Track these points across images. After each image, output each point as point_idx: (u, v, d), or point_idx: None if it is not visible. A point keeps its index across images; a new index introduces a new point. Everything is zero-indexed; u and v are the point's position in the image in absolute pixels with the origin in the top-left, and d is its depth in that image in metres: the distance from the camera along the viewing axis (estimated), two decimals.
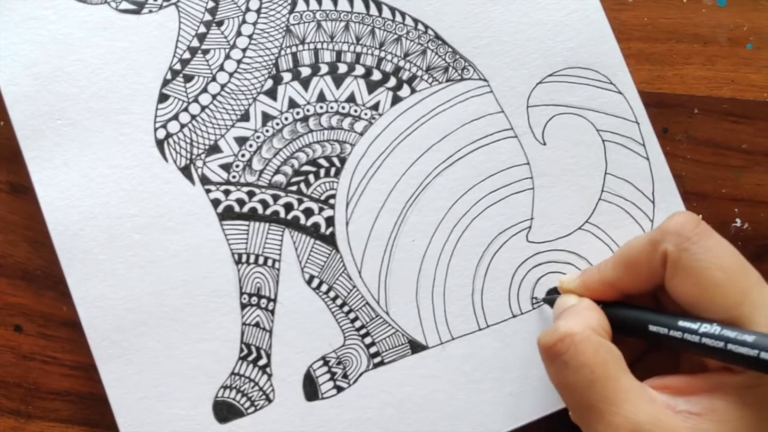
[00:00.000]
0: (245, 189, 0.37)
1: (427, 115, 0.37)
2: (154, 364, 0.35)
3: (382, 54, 0.37)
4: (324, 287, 0.36)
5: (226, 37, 0.37)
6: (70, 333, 0.37)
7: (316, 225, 0.37)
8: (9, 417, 0.37)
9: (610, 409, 0.28)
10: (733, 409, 0.28)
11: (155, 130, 0.37)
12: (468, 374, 0.36)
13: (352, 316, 0.36)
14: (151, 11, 0.37)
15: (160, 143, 0.37)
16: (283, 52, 0.37)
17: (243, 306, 0.36)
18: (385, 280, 0.36)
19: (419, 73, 0.37)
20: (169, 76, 0.37)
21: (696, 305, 0.29)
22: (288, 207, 0.37)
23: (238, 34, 0.37)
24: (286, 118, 0.37)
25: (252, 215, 0.36)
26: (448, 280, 0.36)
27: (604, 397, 0.28)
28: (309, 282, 0.36)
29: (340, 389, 0.36)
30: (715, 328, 0.28)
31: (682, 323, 0.29)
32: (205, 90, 0.37)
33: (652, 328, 0.30)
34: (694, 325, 0.29)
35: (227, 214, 0.36)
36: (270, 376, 0.36)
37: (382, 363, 0.36)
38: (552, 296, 0.36)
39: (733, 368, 0.29)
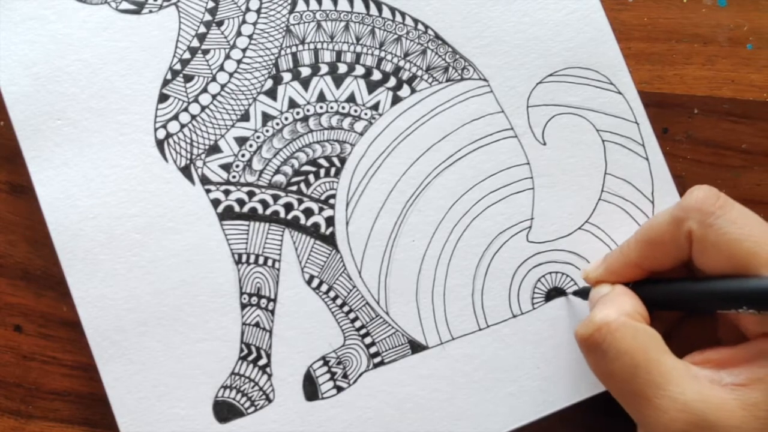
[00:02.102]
0: (245, 189, 0.37)
1: (427, 115, 0.37)
2: (154, 364, 0.35)
3: (382, 54, 0.37)
4: (324, 287, 0.36)
5: (226, 37, 0.37)
6: (70, 333, 0.37)
7: (316, 225, 0.37)
8: (9, 417, 0.37)
9: (656, 392, 0.28)
10: None
11: (155, 130, 0.37)
12: (468, 374, 0.36)
13: (352, 316, 0.36)
14: (151, 11, 0.37)
15: (160, 143, 0.37)
16: (283, 52, 0.37)
17: (243, 306, 0.36)
18: (385, 280, 0.36)
19: (419, 73, 0.37)
20: (169, 76, 0.37)
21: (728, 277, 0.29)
22: (288, 207, 0.37)
23: (238, 34, 0.37)
24: (286, 118, 0.37)
25: (252, 215, 0.36)
26: (448, 280, 0.36)
27: (648, 382, 0.28)
28: (309, 282, 0.36)
29: (340, 389, 0.36)
30: (753, 284, 0.28)
31: (722, 283, 0.29)
32: (205, 90, 0.37)
33: (689, 290, 0.30)
34: (730, 283, 0.29)
35: (227, 214, 0.36)
36: (270, 376, 0.36)
37: (382, 363, 0.36)
38: (583, 288, 0.36)
39: None
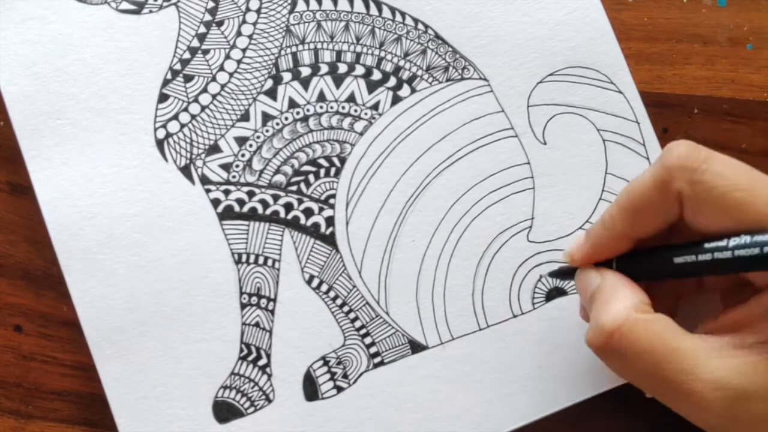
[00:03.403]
0: (245, 189, 0.37)
1: (427, 115, 0.37)
2: (153, 364, 0.35)
3: (382, 54, 0.37)
4: (324, 287, 0.36)
5: (226, 37, 0.37)
6: (70, 333, 0.37)
7: (316, 225, 0.37)
8: (9, 417, 0.37)
9: (687, 378, 0.27)
10: None
11: (155, 130, 0.37)
12: (468, 374, 0.36)
13: (352, 316, 0.36)
14: (151, 11, 0.37)
15: (160, 143, 0.37)
16: (283, 52, 0.37)
17: (243, 306, 0.36)
18: (385, 280, 0.36)
19: (419, 72, 0.37)
20: (169, 76, 0.37)
21: (724, 232, 0.28)
22: (288, 207, 0.37)
23: (238, 34, 0.37)
24: (286, 118, 0.37)
25: (252, 215, 0.36)
26: (448, 280, 0.36)
27: (675, 371, 0.27)
28: (309, 282, 0.36)
29: (340, 389, 0.36)
30: (745, 239, 0.26)
31: (708, 245, 0.28)
32: (205, 90, 0.37)
33: (678, 260, 0.29)
34: (722, 242, 0.27)
35: (227, 214, 0.36)
36: (270, 376, 0.36)
37: (382, 363, 0.36)
38: (562, 268, 0.34)
39: None
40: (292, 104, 0.37)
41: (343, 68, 0.37)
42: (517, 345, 0.36)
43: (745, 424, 0.27)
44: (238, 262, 0.36)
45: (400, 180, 0.37)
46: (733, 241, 0.27)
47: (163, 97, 0.37)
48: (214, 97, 0.37)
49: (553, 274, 0.35)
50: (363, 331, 0.36)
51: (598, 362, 0.34)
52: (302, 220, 0.37)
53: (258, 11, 0.37)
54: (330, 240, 0.37)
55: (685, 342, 0.28)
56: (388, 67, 0.37)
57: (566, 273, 0.33)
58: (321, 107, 0.37)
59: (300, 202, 0.37)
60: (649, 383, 0.29)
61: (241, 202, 0.36)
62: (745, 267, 0.27)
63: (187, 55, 0.37)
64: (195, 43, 0.37)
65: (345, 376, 0.36)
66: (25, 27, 0.37)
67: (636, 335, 0.28)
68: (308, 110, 0.37)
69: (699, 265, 0.28)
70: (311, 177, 0.37)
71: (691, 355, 0.27)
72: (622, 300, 0.29)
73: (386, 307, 0.36)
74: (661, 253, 0.30)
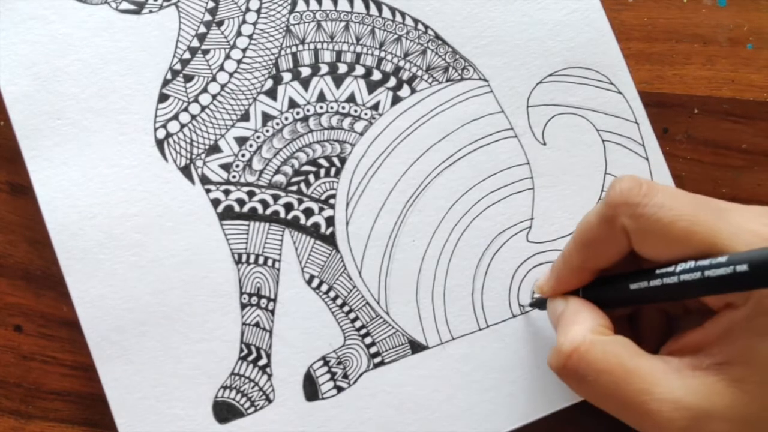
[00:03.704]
0: (245, 189, 0.37)
1: (427, 115, 0.37)
2: (153, 365, 0.35)
3: (382, 54, 0.37)
4: (324, 287, 0.36)
5: (226, 37, 0.37)
6: (70, 333, 0.37)
7: (316, 225, 0.37)
8: (9, 417, 0.37)
9: (645, 399, 0.28)
10: (754, 344, 0.27)
11: (155, 129, 0.37)
12: (468, 374, 0.36)
13: (352, 316, 0.36)
14: (151, 11, 0.37)
15: (160, 143, 0.37)
16: (283, 52, 0.37)
17: (243, 306, 0.36)
18: (385, 280, 0.36)
19: (419, 73, 0.37)
20: (169, 76, 0.37)
21: (674, 259, 0.28)
22: (288, 207, 0.37)
23: (238, 34, 0.37)
24: (286, 118, 0.37)
25: (252, 215, 0.36)
26: (448, 280, 0.36)
27: (634, 391, 0.28)
28: (309, 282, 0.36)
29: (340, 389, 0.36)
30: (690, 264, 0.27)
31: (659, 271, 0.29)
32: (205, 90, 0.37)
33: (633, 286, 0.30)
34: (670, 268, 0.28)
35: (227, 214, 0.36)
36: (270, 376, 0.36)
37: (382, 363, 0.36)
38: (537, 298, 0.35)
39: (734, 302, 0.28)
40: (292, 104, 0.37)
41: (343, 68, 0.37)
42: (517, 345, 0.36)
43: None
44: (238, 262, 0.36)
45: (400, 180, 0.37)
46: (680, 267, 0.28)
47: (163, 97, 0.37)
48: (214, 97, 0.37)
49: (532, 305, 0.36)
50: (363, 331, 0.36)
51: None
52: (302, 220, 0.37)
53: (258, 11, 0.37)
54: (330, 240, 0.37)
55: (643, 362, 0.29)
56: (388, 67, 0.37)
57: (541, 303, 0.35)
58: (321, 107, 0.37)
59: (300, 202, 0.37)
60: (610, 404, 0.29)
61: (241, 202, 0.36)
62: (691, 292, 0.28)
63: (187, 55, 0.37)
64: (195, 43, 0.37)
65: (345, 376, 0.36)
66: (25, 27, 0.37)
67: (593, 356, 0.29)
68: (308, 110, 0.37)
69: (652, 290, 0.29)
70: (311, 177, 0.37)
71: (650, 376, 0.28)
72: (581, 323, 0.30)
73: (386, 307, 0.36)
74: (619, 281, 0.31)
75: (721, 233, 0.27)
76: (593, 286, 0.32)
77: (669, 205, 0.28)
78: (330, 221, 0.37)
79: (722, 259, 0.26)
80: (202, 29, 0.37)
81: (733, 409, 0.27)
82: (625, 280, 0.30)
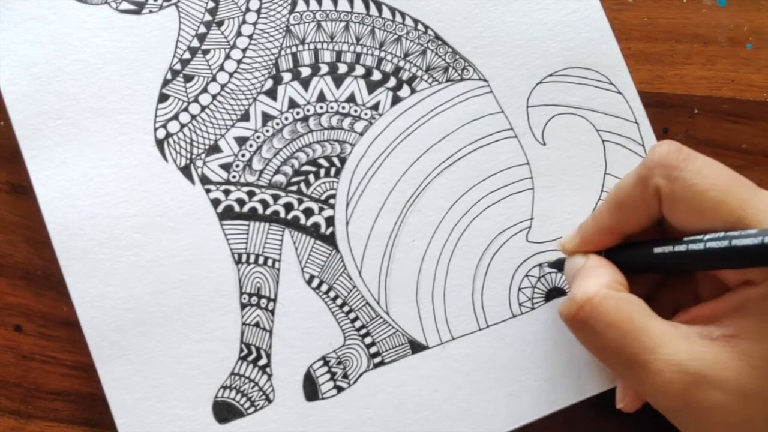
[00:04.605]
0: (245, 189, 0.37)
1: (427, 115, 0.37)
2: (153, 364, 0.35)
3: (382, 54, 0.37)
4: (324, 287, 0.36)
5: (226, 38, 0.37)
6: (70, 333, 0.37)
7: (316, 225, 0.37)
8: (9, 417, 0.37)
9: (649, 357, 0.28)
10: (766, 320, 0.27)
11: (155, 129, 0.37)
12: (468, 374, 0.36)
13: (352, 316, 0.36)
14: (151, 11, 0.37)
15: (160, 143, 0.37)
16: (283, 52, 0.37)
17: (243, 306, 0.36)
18: (385, 280, 0.36)
19: (419, 73, 0.37)
20: (169, 76, 0.37)
21: (700, 230, 0.29)
22: (288, 207, 0.37)
23: (238, 34, 0.37)
24: (286, 118, 0.37)
25: (252, 215, 0.36)
26: (448, 280, 0.36)
27: (639, 348, 0.28)
28: (309, 282, 0.36)
29: (340, 389, 0.36)
30: (719, 234, 0.28)
31: (686, 238, 0.29)
32: (205, 90, 0.37)
33: (657, 250, 0.30)
34: (698, 237, 0.28)
35: (227, 214, 0.36)
36: (270, 376, 0.36)
37: (382, 363, 0.36)
38: (558, 259, 0.35)
39: (753, 279, 0.28)
40: (292, 104, 0.37)
41: (343, 68, 0.37)
42: (517, 345, 0.36)
43: (699, 409, 0.27)
44: (238, 262, 0.36)
45: (400, 180, 0.37)
46: (708, 236, 0.28)
47: (163, 97, 0.37)
48: (214, 97, 0.37)
49: (551, 265, 0.36)
50: (363, 331, 0.36)
51: (598, 362, 0.34)
52: (302, 220, 0.37)
53: (258, 11, 0.37)
54: (330, 240, 0.37)
55: (653, 323, 0.29)
56: (388, 67, 0.37)
57: (560, 264, 0.35)
58: (321, 107, 0.37)
59: (300, 202, 0.37)
60: (613, 359, 0.29)
61: (241, 202, 0.36)
62: (715, 262, 0.28)
63: (187, 55, 0.37)
64: (195, 43, 0.37)
65: (345, 376, 0.36)
66: (25, 27, 0.37)
67: (604, 308, 0.29)
68: (308, 110, 0.37)
69: (675, 257, 0.29)
70: (311, 177, 0.37)
71: (657, 336, 0.28)
72: (598, 276, 0.30)
73: (386, 307, 0.36)
74: (644, 245, 0.31)
75: (751, 208, 0.27)
76: (616, 249, 0.32)
77: (705, 173, 0.29)
78: (330, 221, 0.37)
79: (752, 231, 0.26)
80: (202, 29, 0.37)
81: (734, 381, 0.27)
82: (649, 244, 0.30)
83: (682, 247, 0.29)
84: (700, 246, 0.28)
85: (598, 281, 0.30)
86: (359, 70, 0.37)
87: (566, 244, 0.34)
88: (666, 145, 0.30)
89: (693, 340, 0.28)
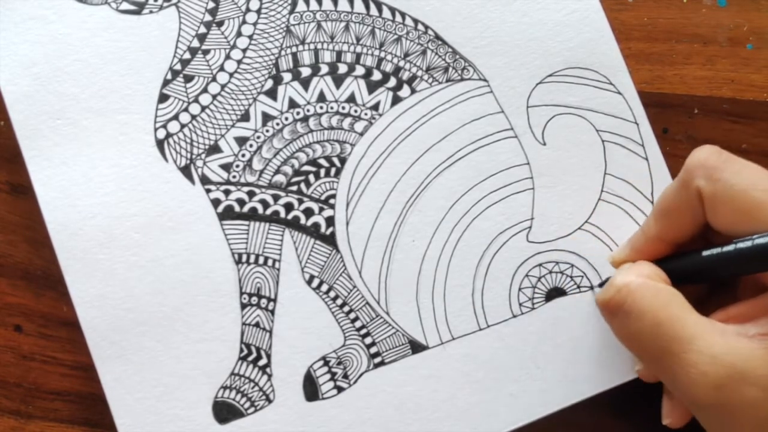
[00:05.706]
0: (245, 189, 0.37)
1: (427, 115, 0.37)
2: (153, 365, 0.35)
3: (382, 54, 0.37)
4: (324, 287, 0.36)
5: (226, 38, 0.37)
6: (70, 333, 0.37)
7: (316, 225, 0.37)
8: (9, 417, 0.37)
9: (684, 347, 0.27)
10: None
11: (155, 130, 0.37)
12: (468, 374, 0.36)
13: (352, 316, 0.36)
14: (151, 12, 0.37)
15: (160, 143, 0.37)
16: (283, 53, 0.37)
17: (243, 306, 0.36)
18: (385, 280, 0.36)
19: (419, 73, 0.37)
20: (169, 77, 0.37)
21: (744, 231, 0.29)
22: (288, 207, 0.37)
23: (239, 34, 0.37)
24: (287, 118, 0.37)
25: (252, 215, 0.36)
26: (449, 280, 0.36)
27: (674, 338, 0.28)
28: (309, 282, 0.36)
29: (340, 389, 0.36)
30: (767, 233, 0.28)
31: (735, 240, 0.29)
32: (205, 90, 0.37)
33: (705, 252, 0.30)
34: (747, 238, 0.29)
35: (227, 214, 0.36)
36: (270, 376, 0.36)
37: (382, 363, 0.36)
38: (608, 278, 0.35)
39: None
40: (293, 104, 0.37)
41: (343, 68, 0.37)
42: (517, 345, 0.36)
43: (732, 404, 0.27)
44: (238, 262, 0.36)
45: (400, 180, 0.37)
46: (757, 236, 0.28)
47: (163, 98, 0.37)
48: (214, 97, 0.37)
49: (601, 285, 0.36)
50: (363, 331, 0.36)
51: (598, 362, 0.34)
52: (302, 220, 0.37)
53: (258, 11, 0.37)
54: (330, 240, 0.37)
55: (690, 315, 0.29)
56: (388, 67, 0.37)
57: None
58: (321, 107, 0.37)
59: (300, 202, 0.37)
60: (646, 346, 0.29)
61: (241, 202, 0.36)
62: (765, 261, 0.28)
63: (187, 56, 0.37)
64: (195, 44, 0.37)
65: (345, 376, 0.36)
66: (25, 27, 0.37)
67: (642, 294, 0.29)
68: (308, 110, 0.37)
69: (724, 258, 0.29)
70: (311, 177, 0.37)
71: (692, 327, 0.28)
72: (639, 268, 0.31)
73: (386, 307, 0.36)
74: (692, 251, 0.31)
75: None
76: (665, 259, 0.32)
77: (745, 174, 0.29)
78: (330, 221, 0.37)
79: None
80: (203, 29, 0.37)
81: None
82: (698, 250, 0.31)
83: (730, 247, 0.29)
84: (748, 244, 0.28)
85: (638, 271, 0.30)
86: (359, 70, 0.37)
87: (616, 255, 0.34)
88: (706, 148, 0.30)
89: (729, 335, 0.28)
